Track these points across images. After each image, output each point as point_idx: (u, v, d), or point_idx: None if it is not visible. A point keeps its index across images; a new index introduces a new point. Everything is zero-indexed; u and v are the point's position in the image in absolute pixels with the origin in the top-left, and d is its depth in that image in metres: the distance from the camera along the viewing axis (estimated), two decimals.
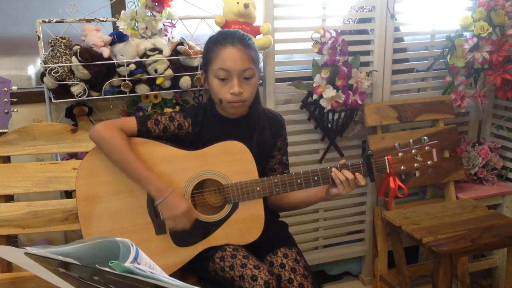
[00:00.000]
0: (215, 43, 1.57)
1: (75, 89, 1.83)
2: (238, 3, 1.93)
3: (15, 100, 1.70)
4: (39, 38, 1.87)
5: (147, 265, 0.69)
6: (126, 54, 1.83)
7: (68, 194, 1.88)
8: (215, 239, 1.57)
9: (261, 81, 2.07)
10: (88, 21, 1.90)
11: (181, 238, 1.55)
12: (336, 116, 2.20)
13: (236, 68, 1.53)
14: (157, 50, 1.88)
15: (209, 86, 1.61)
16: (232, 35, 1.57)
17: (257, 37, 2.02)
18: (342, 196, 1.59)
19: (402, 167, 1.58)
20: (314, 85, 2.14)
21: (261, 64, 1.72)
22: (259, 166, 1.61)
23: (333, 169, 1.55)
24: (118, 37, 1.82)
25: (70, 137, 1.80)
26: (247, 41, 1.57)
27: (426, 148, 1.59)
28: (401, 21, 2.36)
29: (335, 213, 2.48)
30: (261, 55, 1.74)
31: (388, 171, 1.58)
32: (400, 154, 1.58)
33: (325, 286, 2.55)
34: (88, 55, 1.76)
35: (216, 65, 1.55)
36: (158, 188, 1.49)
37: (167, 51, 1.89)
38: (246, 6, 1.93)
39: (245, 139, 1.60)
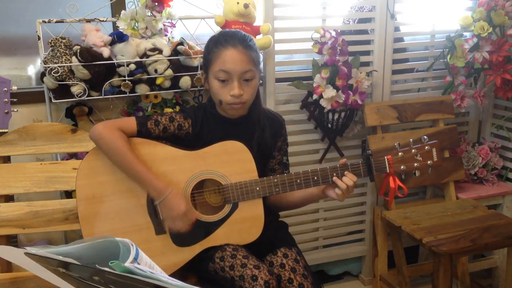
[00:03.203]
0: (216, 44, 1.56)
1: (75, 89, 1.83)
2: (238, 3, 1.93)
3: (15, 100, 1.70)
4: (39, 38, 1.87)
5: (147, 265, 0.69)
6: (126, 54, 1.83)
7: (68, 194, 1.88)
8: (215, 239, 1.57)
9: (261, 81, 2.07)
10: (88, 21, 1.90)
11: (181, 238, 1.55)
12: (336, 116, 2.20)
13: (237, 70, 1.53)
14: (157, 50, 1.88)
15: (209, 87, 1.60)
16: (233, 36, 1.56)
17: (257, 37, 2.02)
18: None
19: (402, 167, 1.58)
20: (314, 85, 2.14)
21: (261, 65, 1.71)
22: (259, 166, 1.61)
23: (335, 178, 1.55)
24: (118, 37, 1.82)
25: (70, 137, 1.80)
26: (248, 43, 1.56)
27: (426, 147, 1.59)
28: (401, 21, 2.36)
29: (335, 213, 2.48)
30: (261, 55, 1.74)
31: (388, 171, 1.58)
32: (400, 153, 1.58)
33: (325, 286, 2.55)
34: (88, 55, 1.76)
35: (216, 67, 1.54)
36: (157, 189, 1.49)
37: (167, 51, 1.89)
38: (246, 6, 1.93)
39: (246, 139, 1.60)
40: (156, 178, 1.50)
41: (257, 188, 1.56)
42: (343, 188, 1.54)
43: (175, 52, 1.92)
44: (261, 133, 1.66)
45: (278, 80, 2.22)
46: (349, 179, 1.54)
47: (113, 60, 1.82)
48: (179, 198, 1.51)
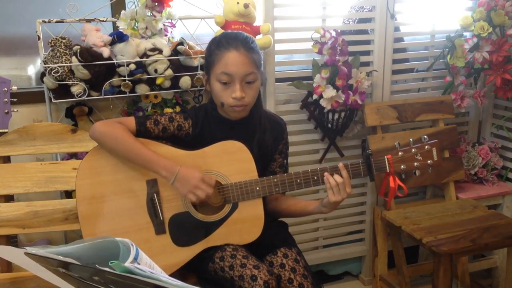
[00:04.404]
0: (218, 46, 1.55)
1: (75, 89, 1.83)
2: (238, 3, 1.93)
3: (15, 100, 1.70)
4: (39, 38, 1.87)
5: (147, 265, 0.69)
6: (126, 54, 1.83)
7: (68, 194, 1.88)
8: (215, 239, 1.57)
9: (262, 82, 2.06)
10: (88, 21, 1.90)
11: (181, 238, 1.55)
12: (336, 116, 2.20)
13: (239, 73, 1.52)
14: (157, 50, 1.88)
15: (211, 89, 1.59)
16: (236, 38, 1.55)
17: (257, 37, 2.02)
18: (334, 203, 1.54)
19: (402, 166, 1.58)
20: (314, 85, 2.14)
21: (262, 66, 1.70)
22: (260, 168, 1.60)
23: (326, 174, 1.54)
24: (118, 37, 1.82)
25: (70, 137, 1.80)
26: (250, 45, 1.55)
27: (426, 147, 1.59)
28: (401, 21, 2.36)
29: (335, 213, 2.46)
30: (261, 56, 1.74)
31: (388, 171, 1.58)
32: (400, 153, 1.58)
33: (325, 286, 2.55)
34: (88, 55, 1.76)
35: (218, 69, 1.53)
36: (167, 167, 1.49)
37: (167, 51, 1.89)
38: (246, 6, 1.93)
39: (246, 141, 1.59)
40: (163, 158, 1.50)
41: (257, 188, 1.56)
42: (332, 184, 1.51)
43: (175, 52, 1.92)
44: (262, 135, 1.65)
45: (278, 80, 2.22)
46: (338, 176, 1.52)
47: (113, 60, 1.82)
48: (190, 168, 1.50)
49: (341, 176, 1.53)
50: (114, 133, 1.50)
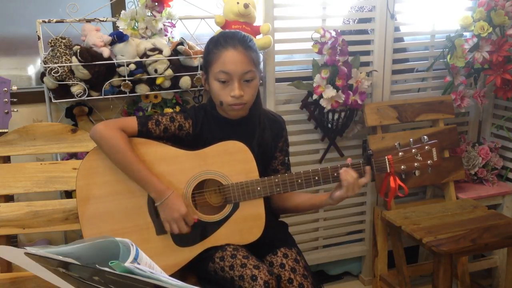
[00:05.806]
0: (215, 45, 1.56)
1: (75, 89, 1.83)
2: (238, 3, 1.93)
3: (15, 100, 1.70)
4: (39, 38, 1.87)
5: (147, 265, 0.69)
6: (126, 54, 1.83)
7: (68, 194, 1.88)
8: (216, 239, 1.56)
9: (261, 81, 2.06)
10: (88, 21, 1.90)
11: (182, 238, 1.55)
12: (336, 116, 2.20)
13: (237, 71, 1.52)
14: (157, 50, 1.88)
15: (210, 88, 1.60)
16: (233, 36, 1.56)
17: (257, 37, 2.02)
18: (344, 198, 1.57)
19: (402, 167, 1.58)
20: (314, 85, 2.14)
21: (261, 65, 1.71)
22: (261, 167, 1.60)
23: (343, 168, 1.54)
24: (118, 37, 1.82)
25: (70, 137, 1.80)
26: (248, 43, 1.56)
27: (426, 147, 1.59)
28: (401, 21, 2.36)
29: (335, 213, 2.48)
30: (261, 55, 1.74)
31: (388, 171, 1.58)
32: (400, 153, 1.58)
33: (325, 286, 2.55)
34: (88, 55, 1.76)
35: (216, 68, 1.54)
36: (158, 190, 1.49)
37: (167, 51, 1.89)
38: (246, 6, 1.93)
39: (246, 140, 1.60)
40: (157, 180, 1.51)
41: (258, 188, 1.56)
42: (350, 181, 1.52)
43: (175, 52, 1.92)
44: (261, 133, 1.65)
45: (278, 80, 2.22)
46: (354, 172, 1.54)
47: (113, 60, 1.82)
48: (179, 200, 1.51)
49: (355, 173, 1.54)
50: (114, 142, 1.50)
